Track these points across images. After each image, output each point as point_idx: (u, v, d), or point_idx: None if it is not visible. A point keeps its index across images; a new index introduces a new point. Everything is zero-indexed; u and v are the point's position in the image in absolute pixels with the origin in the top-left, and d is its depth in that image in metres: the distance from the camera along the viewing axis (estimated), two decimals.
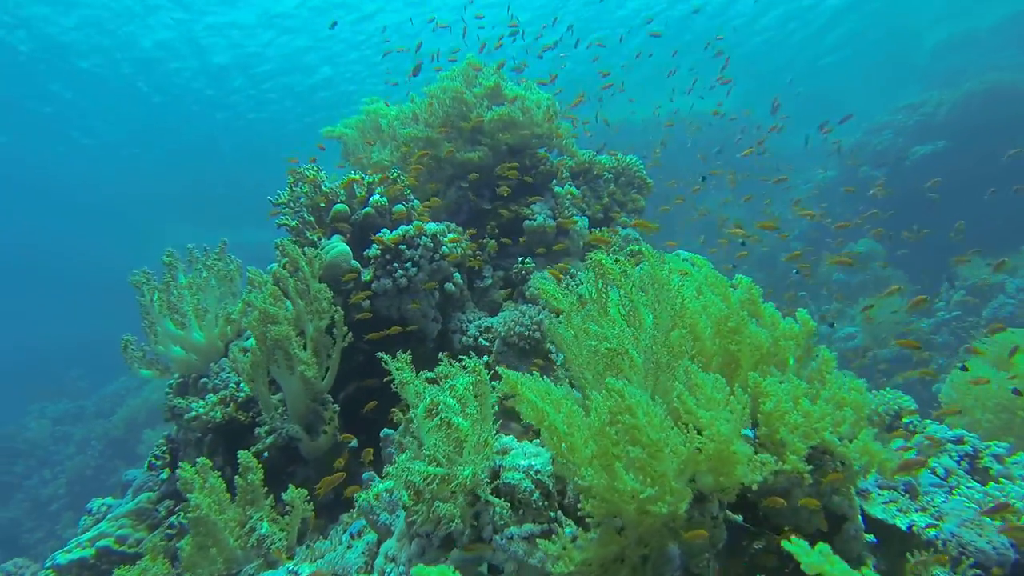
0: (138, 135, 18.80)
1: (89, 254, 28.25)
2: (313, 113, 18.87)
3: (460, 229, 4.13)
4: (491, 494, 1.92)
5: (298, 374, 2.89)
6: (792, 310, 2.53)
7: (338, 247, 3.42)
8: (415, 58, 6.74)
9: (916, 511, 2.55)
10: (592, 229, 5.00)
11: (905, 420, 4.16)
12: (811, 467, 2.16)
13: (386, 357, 2.39)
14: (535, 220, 4.31)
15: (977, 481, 3.44)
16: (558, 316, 2.33)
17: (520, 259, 4.17)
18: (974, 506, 2.59)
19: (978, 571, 2.27)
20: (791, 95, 14.46)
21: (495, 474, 2.01)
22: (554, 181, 4.76)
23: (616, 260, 2.42)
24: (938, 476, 3.34)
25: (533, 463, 1.99)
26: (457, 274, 3.80)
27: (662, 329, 2.17)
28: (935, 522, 2.48)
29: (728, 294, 2.27)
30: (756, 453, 2.02)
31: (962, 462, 3.50)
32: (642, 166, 5.68)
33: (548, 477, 1.99)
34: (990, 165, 13.27)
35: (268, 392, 3.04)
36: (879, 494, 2.71)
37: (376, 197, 3.62)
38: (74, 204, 22.71)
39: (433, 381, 2.30)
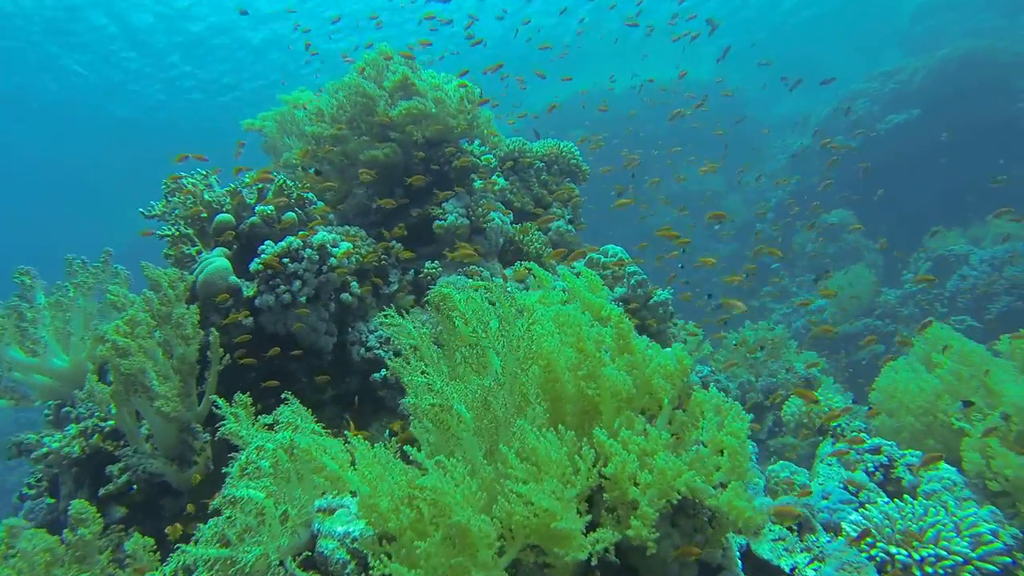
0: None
1: None
2: None
3: (363, 234, 3.89)
4: (301, 567, 1.75)
5: (155, 408, 2.69)
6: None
7: (215, 263, 3.19)
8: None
9: (801, 551, 2.42)
10: (521, 223, 4.78)
11: (833, 424, 4.05)
12: (672, 525, 2.02)
13: (221, 402, 2.19)
14: (445, 220, 4.08)
15: (889, 492, 3.34)
16: (397, 356, 2.12)
17: (428, 262, 3.95)
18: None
19: None
20: (778, 66, 14.06)
21: (313, 541, 1.84)
22: (474, 175, 4.52)
23: (469, 290, 2.23)
24: (850, 492, 3.23)
25: (351, 529, 1.81)
26: (355, 283, 3.59)
27: (508, 376, 1.99)
28: (818, 564, 2.35)
29: (582, 334, 2.07)
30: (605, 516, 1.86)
31: (876, 473, 3.40)
32: (577, 152, 5.43)
33: (370, 544, 1.82)
34: (964, 133, 13.03)
35: (134, 422, 2.85)
36: (771, 530, 2.58)
37: (261, 207, 3.38)
38: None
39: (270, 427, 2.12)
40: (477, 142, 4.70)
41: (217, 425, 2.28)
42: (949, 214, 13.31)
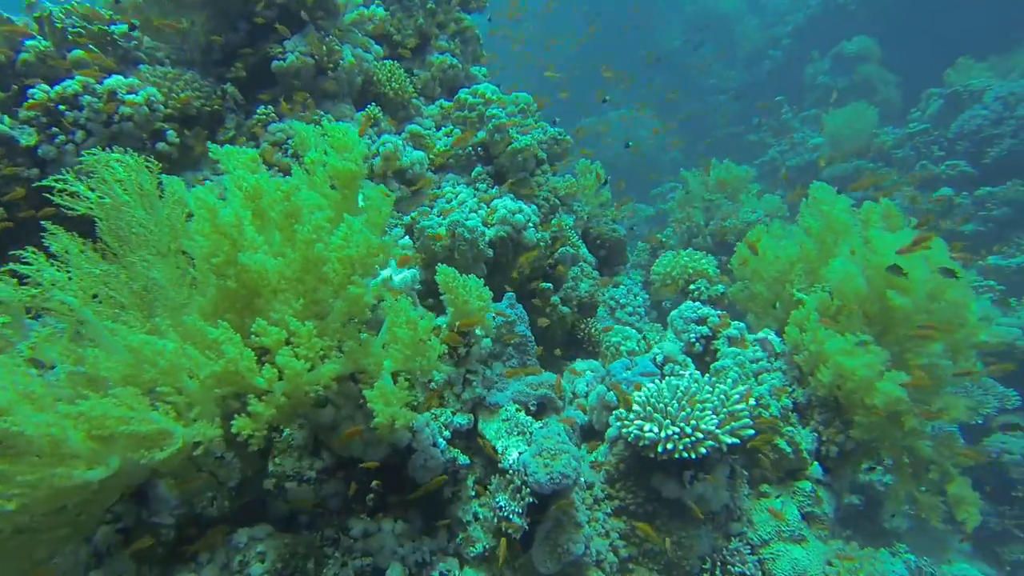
0: None
1: None
2: None
3: (189, 76, 3.55)
4: None
5: None
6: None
7: None
8: None
9: (516, 435, 2.42)
10: (395, 60, 4.33)
11: (692, 287, 3.92)
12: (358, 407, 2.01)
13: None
14: (284, 60, 3.69)
15: (707, 363, 3.29)
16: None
17: (262, 107, 3.65)
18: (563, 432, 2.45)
19: (533, 499, 2.20)
20: None
21: None
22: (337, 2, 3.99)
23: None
24: (656, 364, 3.20)
25: None
26: (171, 131, 3.35)
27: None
28: (523, 448, 2.36)
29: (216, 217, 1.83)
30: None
31: (696, 344, 3.33)
32: None
33: None
34: None
35: None
36: (507, 410, 2.57)
37: (36, 42, 3.05)
38: None
39: None
40: None
41: None
42: (985, 41, 11.82)
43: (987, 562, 6.04)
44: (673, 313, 3.37)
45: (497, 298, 2.80)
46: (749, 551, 2.73)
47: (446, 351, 2.49)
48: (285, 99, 3.69)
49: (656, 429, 2.54)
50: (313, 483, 2.27)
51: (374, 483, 2.45)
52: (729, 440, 2.54)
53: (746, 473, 2.87)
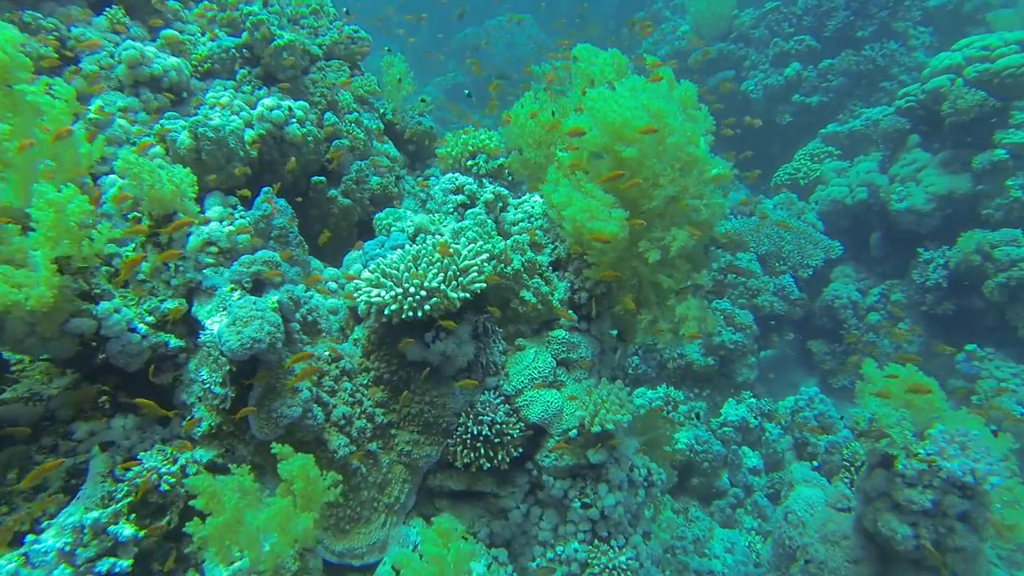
0: None
1: None
2: None
3: None
4: None
5: None
6: None
7: None
8: None
9: (221, 310, 2.42)
10: None
11: (470, 163, 3.91)
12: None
13: None
14: None
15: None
16: None
17: None
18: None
19: (231, 367, 2.22)
20: None
21: None
22: None
23: None
24: (409, 237, 3.21)
25: None
26: None
27: None
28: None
29: None
30: None
31: (454, 213, 3.36)
32: None
33: None
34: None
35: None
36: (221, 291, 2.55)
37: None
38: None
39: None
40: None
41: None
42: None
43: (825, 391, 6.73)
44: (436, 187, 3.37)
45: None
46: (502, 400, 2.87)
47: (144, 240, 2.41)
48: None
49: (383, 293, 2.58)
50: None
51: (98, 386, 2.42)
52: (457, 295, 2.61)
53: (499, 329, 2.98)
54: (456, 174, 3.33)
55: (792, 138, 9.67)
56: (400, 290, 2.56)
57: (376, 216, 3.41)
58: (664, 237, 2.90)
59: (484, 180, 3.47)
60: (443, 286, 2.60)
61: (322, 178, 3.62)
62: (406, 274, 2.59)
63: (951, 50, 7.15)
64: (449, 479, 2.91)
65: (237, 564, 2.11)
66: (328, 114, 3.84)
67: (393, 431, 2.84)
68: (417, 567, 2.22)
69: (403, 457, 2.82)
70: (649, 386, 6.26)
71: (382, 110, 4.68)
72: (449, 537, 2.26)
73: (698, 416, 5.84)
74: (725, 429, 6.07)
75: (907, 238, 7.55)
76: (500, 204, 3.30)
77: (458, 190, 3.26)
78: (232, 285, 2.45)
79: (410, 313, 2.55)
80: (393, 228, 3.16)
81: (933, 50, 8.98)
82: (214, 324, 2.35)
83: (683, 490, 5.89)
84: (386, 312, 2.56)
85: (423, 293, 2.56)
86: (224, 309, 2.38)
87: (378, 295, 2.58)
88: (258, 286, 2.55)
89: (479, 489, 2.95)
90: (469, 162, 3.75)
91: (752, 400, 6.30)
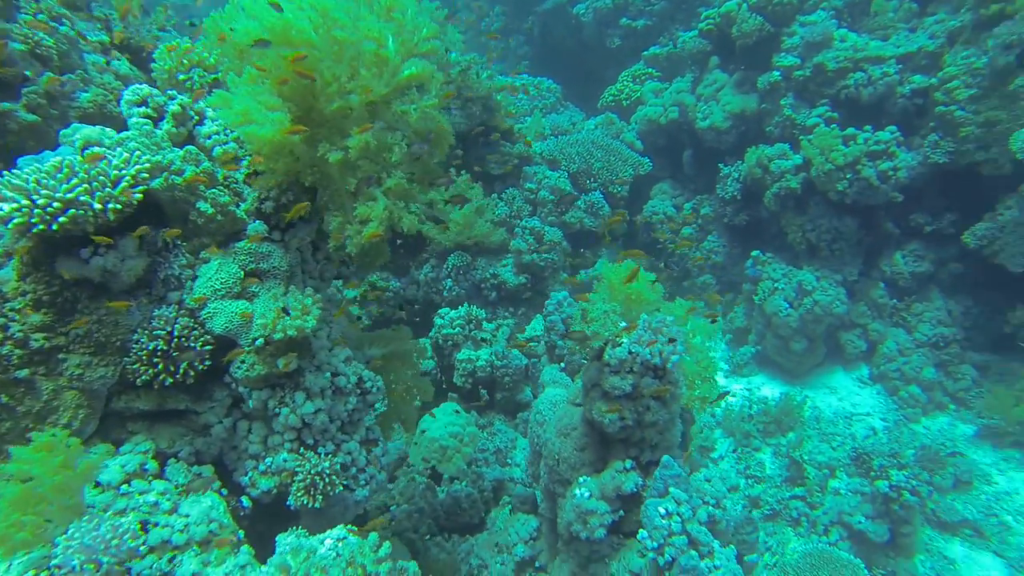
0: None
1: None
2: None
3: None
4: None
5: None
6: None
7: None
8: None
9: None
10: None
11: None
12: None
13: None
14: None
15: None
16: None
17: None
18: None
19: None
20: None
21: None
22: None
23: None
24: None
25: None
26: None
27: None
28: None
29: None
30: None
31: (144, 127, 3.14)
32: None
33: None
34: None
35: None
36: None
37: None
38: None
39: None
40: None
41: None
42: None
43: None
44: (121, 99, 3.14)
45: None
46: (184, 314, 2.81)
47: None
48: None
49: (4, 206, 2.39)
50: None
51: None
52: (107, 207, 2.47)
53: (181, 243, 2.88)
54: (140, 84, 3.10)
55: (621, 61, 9.86)
56: (27, 202, 2.39)
57: (61, 132, 3.13)
58: (355, 143, 2.86)
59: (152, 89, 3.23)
60: (85, 196, 2.45)
61: None
62: (34, 185, 2.41)
63: None
64: (136, 400, 2.83)
65: None
66: None
67: (62, 355, 2.71)
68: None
69: (75, 381, 2.70)
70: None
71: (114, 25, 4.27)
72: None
73: (494, 333, 6.05)
74: (531, 344, 6.33)
75: (712, 155, 8.00)
76: (196, 117, 3.12)
77: (141, 101, 3.05)
78: None
79: (41, 227, 2.40)
80: (63, 143, 2.93)
81: None
82: None
83: (490, 406, 6.15)
84: (9, 226, 2.39)
85: (56, 204, 2.40)
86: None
87: (1, 209, 2.40)
88: None
89: (174, 407, 2.90)
90: (181, 76, 3.51)
91: (555, 316, 6.59)
